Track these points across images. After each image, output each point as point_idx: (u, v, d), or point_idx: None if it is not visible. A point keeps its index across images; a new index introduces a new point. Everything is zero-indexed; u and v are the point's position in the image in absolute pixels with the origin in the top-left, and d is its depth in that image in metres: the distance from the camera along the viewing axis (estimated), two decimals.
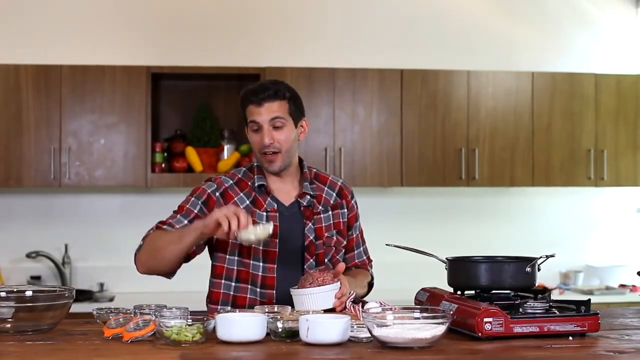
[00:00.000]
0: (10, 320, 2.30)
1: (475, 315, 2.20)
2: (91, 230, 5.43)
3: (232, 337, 2.17)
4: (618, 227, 5.94)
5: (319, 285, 2.55)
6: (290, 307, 2.45)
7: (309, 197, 2.88)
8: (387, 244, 2.79)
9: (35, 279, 5.32)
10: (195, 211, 2.81)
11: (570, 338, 2.23)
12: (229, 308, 2.64)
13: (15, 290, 2.44)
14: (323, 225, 2.88)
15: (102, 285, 5.36)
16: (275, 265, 2.80)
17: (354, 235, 3.02)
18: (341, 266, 2.66)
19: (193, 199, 2.85)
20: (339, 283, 2.59)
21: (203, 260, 2.94)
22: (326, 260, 2.87)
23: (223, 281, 2.83)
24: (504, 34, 5.79)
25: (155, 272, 2.82)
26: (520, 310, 2.29)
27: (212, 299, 2.86)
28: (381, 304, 2.47)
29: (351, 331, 2.20)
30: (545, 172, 5.46)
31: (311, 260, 2.83)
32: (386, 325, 2.10)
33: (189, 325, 2.15)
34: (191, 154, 5.23)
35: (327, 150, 5.26)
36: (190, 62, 5.35)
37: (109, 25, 5.47)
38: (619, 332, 2.36)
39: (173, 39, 5.51)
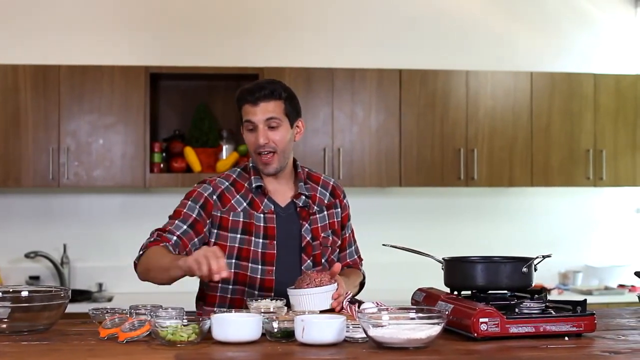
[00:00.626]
0: (6, 320, 2.29)
1: (471, 315, 2.20)
2: (90, 231, 5.43)
3: (228, 338, 2.16)
4: (617, 227, 5.93)
5: (316, 286, 2.55)
6: (286, 308, 2.45)
7: (304, 197, 2.87)
8: (383, 244, 2.79)
9: (34, 279, 5.32)
10: (194, 215, 2.78)
11: (566, 338, 2.22)
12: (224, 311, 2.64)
13: (11, 290, 2.44)
14: (319, 225, 2.88)
15: (100, 285, 5.36)
16: (274, 268, 2.79)
17: (347, 235, 3.01)
18: (337, 266, 2.65)
19: (190, 202, 2.81)
20: (336, 284, 2.59)
21: None
22: (323, 260, 2.87)
23: (220, 284, 2.81)
24: (502, 34, 5.79)
25: (152, 282, 2.79)
26: (516, 310, 2.28)
27: (207, 301, 2.86)
28: (377, 304, 2.48)
29: (347, 331, 2.20)
30: (544, 172, 5.46)
31: (308, 261, 2.83)
32: (381, 326, 2.10)
33: (184, 325, 2.15)
34: (190, 154, 5.22)
35: (326, 150, 5.26)
36: (188, 62, 5.35)
37: (108, 25, 5.47)
38: (615, 332, 2.36)
39: (171, 39, 5.51)
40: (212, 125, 5.31)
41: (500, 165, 5.42)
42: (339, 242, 2.96)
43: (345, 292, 2.59)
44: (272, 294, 2.76)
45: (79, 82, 5.11)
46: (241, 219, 2.79)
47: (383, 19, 5.69)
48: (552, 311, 2.32)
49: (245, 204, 2.81)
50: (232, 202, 2.81)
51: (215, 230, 2.80)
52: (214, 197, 2.81)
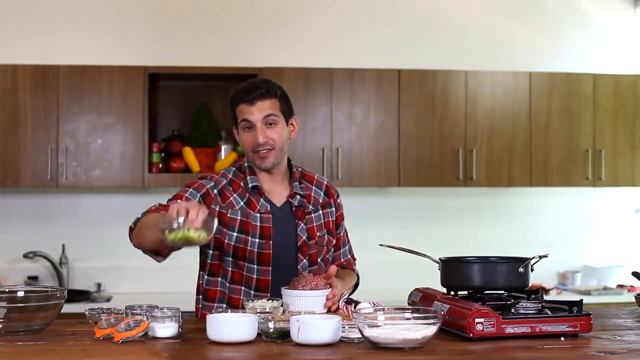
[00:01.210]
0: (1, 320, 2.29)
1: (467, 315, 2.20)
2: (88, 231, 5.43)
3: (223, 338, 2.16)
4: (616, 227, 5.93)
5: (311, 289, 2.54)
6: (282, 308, 2.45)
7: (299, 197, 2.87)
8: (380, 244, 2.79)
9: (33, 279, 5.32)
10: (195, 201, 2.71)
11: (562, 339, 2.22)
12: (224, 306, 2.64)
13: (7, 290, 2.44)
14: (315, 224, 2.89)
15: (99, 285, 5.36)
16: (270, 268, 2.79)
17: (341, 234, 3.02)
18: (333, 269, 2.65)
19: (191, 190, 2.80)
20: (330, 289, 2.58)
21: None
22: (319, 259, 2.87)
23: (220, 279, 2.83)
24: (501, 34, 5.78)
25: (143, 249, 2.73)
26: (512, 310, 2.28)
27: (208, 296, 2.85)
28: (374, 304, 2.48)
29: (342, 331, 2.19)
30: (543, 172, 5.46)
31: (304, 260, 2.83)
32: (377, 326, 2.10)
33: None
34: (188, 154, 5.22)
35: (325, 150, 5.26)
36: (187, 62, 5.35)
37: (107, 25, 5.47)
38: (611, 332, 2.36)
39: (170, 39, 5.51)
40: (211, 125, 5.31)
41: (499, 166, 5.42)
42: (334, 241, 2.96)
43: (340, 292, 2.59)
44: (269, 293, 2.76)
45: (78, 82, 5.11)
46: (239, 217, 2.80)
47: (382, 19, 5.69)
48: (548, 311, 2.32)
49: (242, 203, 2.82)
50: (231, 199, 2.82)
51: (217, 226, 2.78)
52: (215, 191, 2.82)
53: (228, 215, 2.79)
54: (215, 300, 2.82)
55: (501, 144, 5.42)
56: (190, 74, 5.32)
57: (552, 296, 5.37)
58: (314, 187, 2.95)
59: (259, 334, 2.21)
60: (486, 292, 2.45)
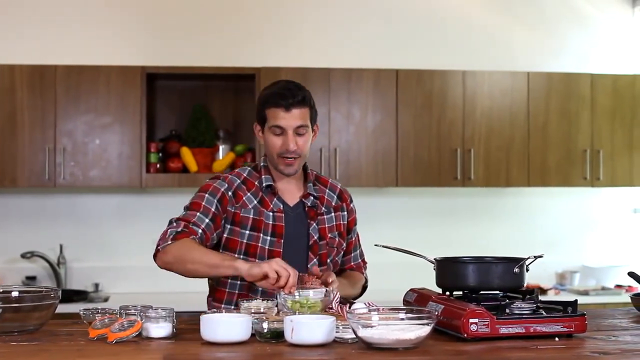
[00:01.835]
0: None
1: (461, 316, 2.19)
2: (86, 231, 5.43)
3: (217, 338, 2.16)
4: (614, 227, 5.93)
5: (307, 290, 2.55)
6: (276, 308, 2.45)
7: (312, 197, 2.90)
8: (375, 245, 2.80)
9: (31, 279, 5.32)
10: (213, 209, 2.77)
11: (557, 339, 2.22)
12: (232, 307, 2.64)
13: (1, 291, 2.44)
14: (327, 225, 2.91)
15: (97, 285, 5.35)
16: None
17: (353, 239, 3.04)
18: (315, 269, 2.68)
19: (208, 196, 2.80)
20: (324, 290, 2.59)
21: None
22: (328, 260, 2.89)
23: (229, 280, 2.83)
24: (499, 33, 5.78)
25: (175, 272, 2.75)
26: (507, 311, 2.28)
27: (216, 297, 2.88)
28: (369, 304, 2.47)
29: (337, 332, 2.19)
30: (541, 172, 5.45)
31: (315, 259, 2.86)
32: (371, 326, 2.10)
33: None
34: (186, 154, 5.22)
35: (322, 150, 5.25)
36: (185, 63, 5.34)
37: (104, 25, 5.46)
38: (606, 333, 2.36)
39: (168, 39, 5.51)
40: (208, 125, 5.31)
41: (497, 166, 5.42)
42: (344, 244, 2.98)
43: (334, 293, 2.59)
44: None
45: (76, 82, 5.11)
46: (251, 216, 2.82)
47: (380, 19, 5.68)
48: (543, 312, 2.32)
49: (255, 202, 2.84)
50: (244, 198, 2.84)
51: (229, 226, 2.82)
52: (229, 193, 2.83)
53: (241, 214, 2.82)
54: (222, 302, 2.83)
55: (499, 144, 5.41)
56: (188, 74, 5.31)
57: (550, 296, 5.37)
58: (327, 190, 2.97)
59: (253, 335, 2.21)
60: (481, 292, 2.45)
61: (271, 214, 2.84)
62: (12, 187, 5.18)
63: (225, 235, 2.82)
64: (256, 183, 2.87)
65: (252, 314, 2.30)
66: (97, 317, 2.33)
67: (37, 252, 5.27)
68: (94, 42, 5.43)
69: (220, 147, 5.30)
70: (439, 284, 2.56)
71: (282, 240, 2.83)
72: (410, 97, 5.35)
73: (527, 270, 2.47)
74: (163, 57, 5.40)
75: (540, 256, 2.46)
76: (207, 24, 5.55)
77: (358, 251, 3.09)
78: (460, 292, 2.49)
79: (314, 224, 2.88)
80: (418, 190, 5.61)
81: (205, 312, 2.29)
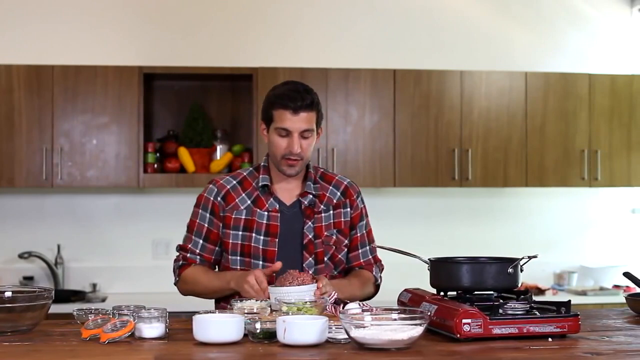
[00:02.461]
0: None
1: (454, 316, 2.19)
2: (84, 231, 5.43)
3: (209, 338, 2.16)
4: (612, 227, 5.92)
5: (297, 285, 2.55)
6: (269, 308, 2.45)
7: (310, 196, 2.90)
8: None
9: (28, 279, 5.32)
10: (206, 225, 2.89)
11: (550, 339, 2.21)
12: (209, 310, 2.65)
13: None
14: (323, 224, 2.91)
15: (94, 285, 5.35)
16: None
17: (358, 235, 3.01)
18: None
19: (201, 211, 2.91)
20: (316, 284, 2.59)
21: None
22: (325, 258, 2.89)
23: None
24: (497, 33, 5.78)
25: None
26: (500, 311, 2.27)
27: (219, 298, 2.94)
28: (362, 305, 2.47)
29: (329, 332, 2.19)
30: (539, 172, 5.45)
31: (310, 258, 2.86)
32: (363, 327, 2.09)
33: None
34: (184, 154, 5.22)
35: (320, 150, 5.25)
36: (182, 63, 5.34)
37: (101, 25, 5.46)
38: (600, 333, 2.35)
39: (165, 39, 5.50)
40: (206, 125, 5.30)
41: (494, 166, 5.41)
42: (346, 241, 2.96)
43: (328, 292, 2.59)
44: None
45: (73, 82, 5.11)
46: (243, 217, 2.86)
47: (377, 19, 5.68)
48: (537, 312, 2.31)
49: (249, 202, 2.88)
50: (237, 200, 2.88)
51: (225, 230, 2.88)
52: (219, 198, 2.89)
53: (233, 216, 2.86)
54: (227, 301, 2.85)
55: (497, 144, 5.41)
56: (185, 74, 5.31)
57: (548, 297, 5.36)
58: (331, 187, 2.96)
59: (245, 335, 2.21)
60: (475, 292, 2.44)
61: (266, 213, 2.85)
62: (9, 187, 5.18)
63: (224, 240, 2.88)
64: (253, 183, 2.89)
65: (245, 314, 2.30)
66: (90, 318, 2.32)
67: (34, 252, 5.27)
68: (91, 42, 5.43)
69: (218, 147, 5.29)
70: (433, 284, 2.56)
71: (277, 240, 2.83)
72: (408, 97, 5.35)
73: (522, 270, 2.46)
74: (160, 57, 5.40)
75: (535, 256, 2.45)
76: (204, 24, 5.55)
77: (368, 248, 3.04)
78: (455, 293, 2.49)
79: (310, 223, 2.88)
80: (415, 190, 5.61)
81: (198, 312, 2.29)
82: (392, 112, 5.33)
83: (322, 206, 2.92)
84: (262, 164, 2.93)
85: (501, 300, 2.38)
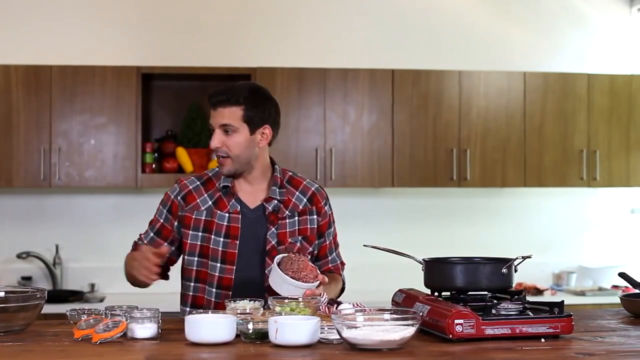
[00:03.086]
0: None
1: (446, 316, 2.19)
2: (82, 231, 5.42)
3: (201, 339, 2.15)
4: (611, 228, 5.91)
5: (298, 279, 2.54)
6: (262, 309, 2.44)
7: (275, 201, 2.85)
8: (364, 245, 2.78)
9: (26, 279, 5.32)
10: (162, 220, 2.90)
11: (543, 340, 2.21)
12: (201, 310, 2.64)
13: None
14: (287, 230, 2.86)
15: (93, 285, 5.35)
16: (234, 267, 2.80)
17: (327, 243, 2.98)
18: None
19: (161, 207, 2.93)
20: (317, 283, 2.58)
21: None
22: None
23: (183, 282, 2.90)
24: (495, 33, 5.77)
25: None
26: (493, 311, 2.27)
27: (182, 300, 2.93)
28: (356, 305, 2.46)
29: (322, 333, 2.18)
30: (538, 172, 5.44)
31: (272, 264, 2.78)
32: (355, 327, 2.09)
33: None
34: (182, 154, 5.22)
35: (318, 150, 5.25)
36: (180, 63, 5.34)
37: (99, 25, 5.46)
38: (593, 333, 2.35)
39: (163, 39, 5.50)
40: (204, 125, 5.30)
41: (493, 166, 5.40)
42: (310, 248, 2.91)
43: (322, 294, 2.58)
44: (230, 292, 2.78)
45: (71, 83, 5.10)
46: (203, 217, 2.84)
47: (375, 19, 5.68)
48: (530, 312, 2.31)
49: (210, 203, 2.85)
50: (198, 200, 2.86)
51: (184, 230, 2.87)
52: (179, 197, 2.88)
53: (193, 217, 2.85)
54: (185, 304, 2.87)
55: (495, 145, 5.40)
56: (183, 74, 5.31)
57: (546, 297, 5.36)
58: (297, 193, 2.92)
59: (238, 335, 2.20)
60: (469, 293, 2.44)
61: (227, 215, 2.82)
62: (7, 188, 5.18)
63: (183, 240, 2.87)
64: (217, 184, 2.87)
65: (238, 315, 2.29)
66: (82, 318, 2.32)
67: (32, 252, 5.27)
68: (89, 42, 5.43)
69: None
70: (427, 285, 2.55)
71: (237, 242, 2.80)
72: (406, 97, 5.34)
73: (516, 271, 2.45)
74: (158, 57, 5.40)
75: (529, 257, 2.45)
76: (202, 24, 5.55)
77: (335, 253, 3.03)
78: (449, 293, 2.48)
79: (273, 229, 2.83)
80: (414, 190, 5.60)
81: (191, 313, 2.29)
82: (390, 112, 5.33)
83: (287, 212, 2.87)
84: None
85: (495, 301, 2.38)
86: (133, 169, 5.14)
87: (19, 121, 5.07)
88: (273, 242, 2.83)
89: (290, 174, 2.97)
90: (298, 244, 2.87)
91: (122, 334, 2.21)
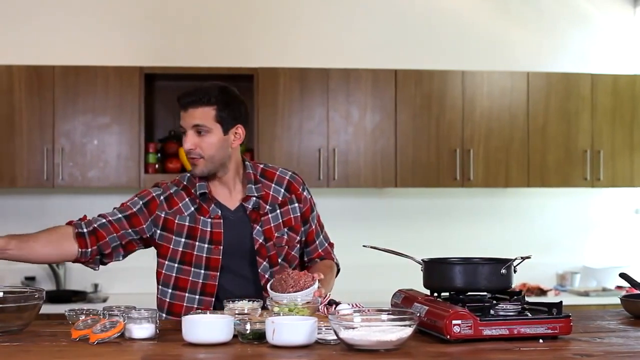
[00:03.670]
0: None
1: (444, 317, 2.18)
2: None
3: (198, 339, 2.15)
4: (615, 228, 5.89)
5: (300, 289, 2.52)
6: (260, 309, 2.43)
7: (254, 198, 2.82)
8: (364, 245, 2.77)
9: (30, 279, 5.32)
10: (134, 210, 2.78)
11: (541, 341, 2.20)
12: (163, 315, 2.62)
13: None
14: (272, 225, 2.83)
15: (96, 286, 5.36)
16: (218, 273, 2.76)
17: (313, 227, 2.95)
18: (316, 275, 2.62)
19: (136, 198, 2.83)
20: (317, 282, 2.57)
21: None
22: (279, 260, 2.82)
23: (160, 287, 2.81)
24: (498, 33, 5.76)
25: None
26: (491, 312, 2.26)
27: (157, 305, 2.82)
28: (355, 306, 2.46)
29: (319, 333, 2.18)
30: (541, 172, 5.43)
31: (264, 262, 2.79)
32: (352, 328, 2.08)
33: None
34: (184, 154, 5.21)
35: (321, 151, 5.24)
36: (183, 63, 5.34)
37: (102, 25, 5.47)
38: (592, 334, 2.33)
39: (166, 39, 5.51)
40: None
41: (496, 166, 5.39)
42: (298, 238, 2.89)
43: (325, 294, 2.58)
44: (213, 299, 2.74)
45: (74, 83, 5.11)
46: (187, 223, 2.78)
47: (378, 19, 5.67)
48: (529, 313, 2.30)
49: (192, 209, 2.80)
50: (180, 205, 2.80)
51: (159, 231, 2.79)
52: (162, 197, 2.81)
53: (176, 221, 2.78)
54: (163, 311, 2.79)
55: (498, 145, 5.39)
56: (186, 75, 5.30)
57: (550, 297, 5.34)
58: (273, 185, 2.88)
59: (235, 336, 2.20)
60: (468, 293, 2.43)
61: (209, 220, 2.78)
62: (10, 188, 5.19)
63: (157, 241, 2.79)
64: (193, 190, 2.81)
65: (235, 315, 2.29)
66: (80, 318, 2.32)
67: None
68: (92, 43, 5.44)
69: None
70: (426, 285, 2.54)
71: (221, 247, 2.76)
72: (409, 97, 5.33)
73: (515, 271, 2.44)
74: (161, 57, 5.40)
75: (528, 257, 2.43)
76: (205, 25, 5.55)
77: (321, 237, 2.99)
78: (448, 294, 2.47)
79: (258, 227, 2.80)
80: (417, 190, 5.60)
81: (188, 313, 2.28)
82: (393, 112, 5.32)
83: (267, 206, 2.83)
84: None
85: (493, 302, 2.37)
86: (136, 169, 5.14)
87: (21, 121, 5.08)
88: (261, 240, 2.79)
89: (262, 166, 2.92)
90: (285, 237, 2.84)
91: (119, 334, 2.21)
